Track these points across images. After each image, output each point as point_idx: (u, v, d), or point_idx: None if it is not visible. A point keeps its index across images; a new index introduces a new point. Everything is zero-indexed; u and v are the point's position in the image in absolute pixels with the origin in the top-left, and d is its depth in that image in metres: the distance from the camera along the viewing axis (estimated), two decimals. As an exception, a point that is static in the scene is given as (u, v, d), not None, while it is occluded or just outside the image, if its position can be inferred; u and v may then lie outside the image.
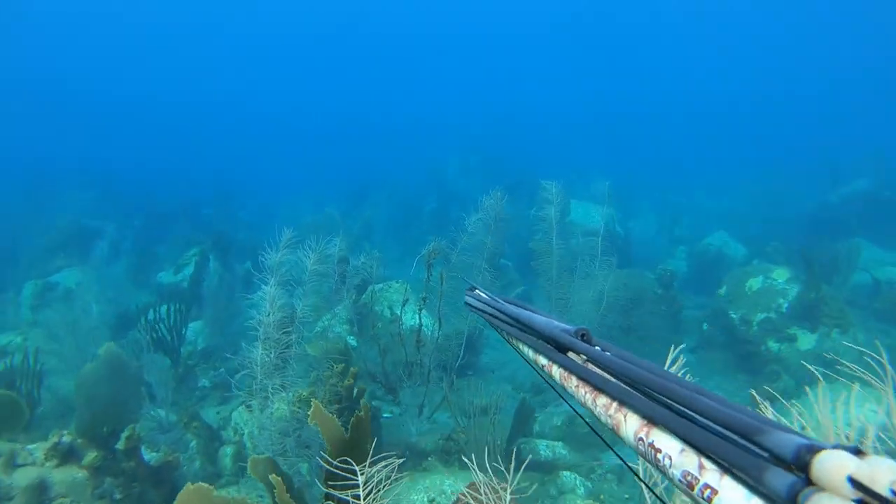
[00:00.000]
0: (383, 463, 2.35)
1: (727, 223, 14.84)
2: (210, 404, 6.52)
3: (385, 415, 6.36)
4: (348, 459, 2.42)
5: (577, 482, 5.35)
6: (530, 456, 5.74)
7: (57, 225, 11.47)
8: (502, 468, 2.56)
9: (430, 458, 5.82)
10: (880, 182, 14.60)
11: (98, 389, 4.04)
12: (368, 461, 2.44)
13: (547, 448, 5.83)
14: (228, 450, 5.52)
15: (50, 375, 6.27)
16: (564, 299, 7.35)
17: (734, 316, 8.50)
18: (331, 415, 2.65)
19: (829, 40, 43.19)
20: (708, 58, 49.69)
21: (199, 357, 7.32)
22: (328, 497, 2.74)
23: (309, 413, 4.33)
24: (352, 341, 7.44)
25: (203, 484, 3.03)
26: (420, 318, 6.06)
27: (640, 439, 0.72)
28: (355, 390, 5.44)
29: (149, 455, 5.03)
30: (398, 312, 6.74)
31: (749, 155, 25.42)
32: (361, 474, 2.39)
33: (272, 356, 4.00)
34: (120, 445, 4.44)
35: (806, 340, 7.55)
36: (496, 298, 1.38)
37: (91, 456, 3.92)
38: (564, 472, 5.47)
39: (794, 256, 9.57)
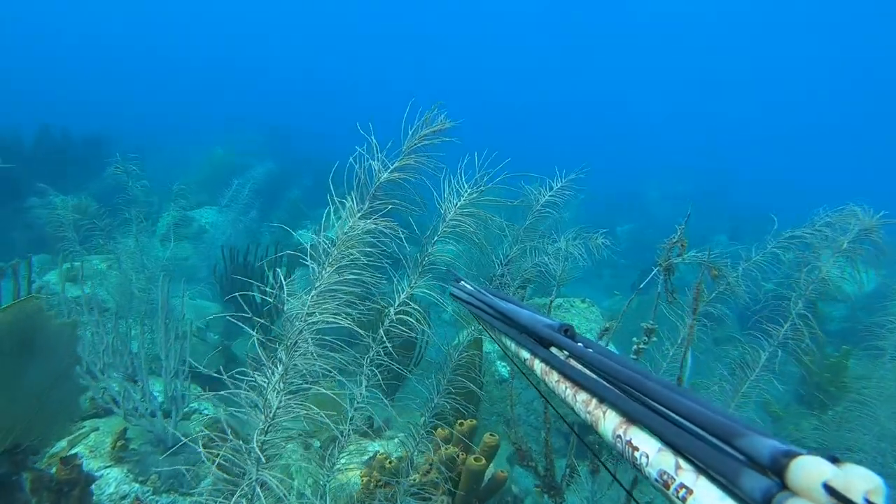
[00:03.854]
0: None
1: None
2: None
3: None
4: None
5: None
6: None
7: (211, 160, 10.81)
8: None
9: None
10: None
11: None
12: None
13: None
14: (264, 504, 3.31)
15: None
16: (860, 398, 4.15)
17: None
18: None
19: None
20: None
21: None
22: None
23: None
24: (503, 370, 5.00)
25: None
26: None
27: (619, 436, 0.69)
28: (486, 477, 2.82)
29: (129, 486, 2.98)
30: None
31: None
32: None
33: (281, 395, 1.60)
34: (50, 469, 2.43)
35: None
36: (482, 291, 1.34)
37: None
38: None
39: None
